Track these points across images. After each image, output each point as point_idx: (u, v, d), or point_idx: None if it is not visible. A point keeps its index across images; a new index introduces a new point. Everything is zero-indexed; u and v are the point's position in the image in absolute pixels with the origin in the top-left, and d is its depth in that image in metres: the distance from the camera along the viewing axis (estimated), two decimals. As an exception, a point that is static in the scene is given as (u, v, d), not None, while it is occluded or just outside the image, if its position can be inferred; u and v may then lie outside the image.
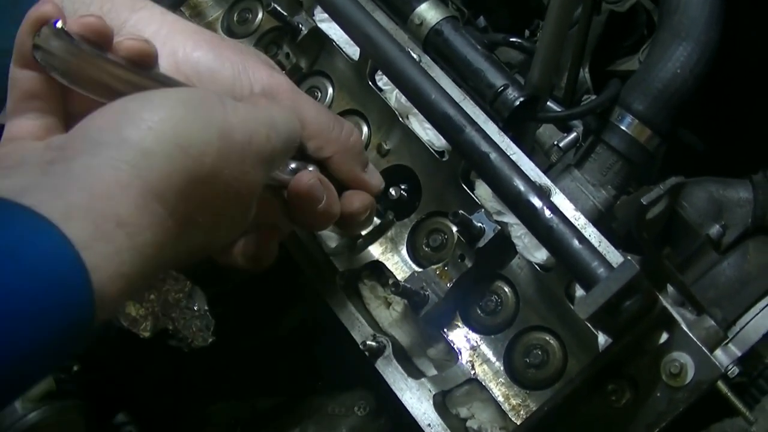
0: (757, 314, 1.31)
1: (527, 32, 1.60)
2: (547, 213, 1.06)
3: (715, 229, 1.37)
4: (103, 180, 0.75)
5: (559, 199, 1.14)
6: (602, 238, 1.11)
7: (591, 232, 1.11)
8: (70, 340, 0.70)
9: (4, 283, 0.65)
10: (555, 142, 1.44)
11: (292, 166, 1.06)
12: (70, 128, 0.85)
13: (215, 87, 1.05)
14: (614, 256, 1.08)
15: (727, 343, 1.30)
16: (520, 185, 1.08)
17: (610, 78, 1.35)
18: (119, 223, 0.74)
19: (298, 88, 1.15)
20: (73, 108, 0.95)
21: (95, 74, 0.90)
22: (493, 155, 1.10)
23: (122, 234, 0.74)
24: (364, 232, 1.31)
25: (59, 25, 0.87)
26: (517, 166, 1.10)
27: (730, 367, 1.28)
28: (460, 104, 1.17)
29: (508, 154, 1.14)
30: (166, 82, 0.98)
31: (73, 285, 0.69)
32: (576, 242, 1.04)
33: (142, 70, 0.96)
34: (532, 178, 1.12)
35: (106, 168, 0.76)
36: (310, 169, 1.09)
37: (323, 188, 1.07)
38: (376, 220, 1.31)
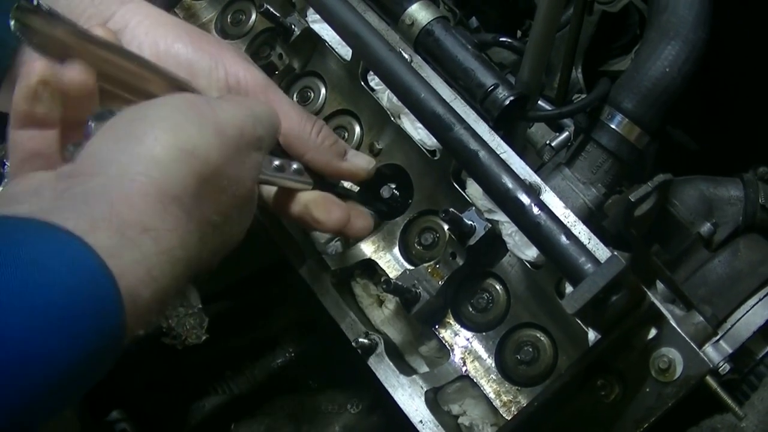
0: (748, 311, 1.32)
1: (519, 33, 1.61)
2: (535, 210, 1.07)
3: (706, 227, 1.37)
4: (122, 191, 0.77)
5: (549, 197, 1.14)
6: (591, 235, 1.12)
7: (580, 230, 1.12)
8: (102, 350, 0.70)
9: (30, 295, 0.65)
10: (547, 142, 1.45)
11: (276, 163, 1.09)
12: None
13: (192, 77, 1.10)
14: (603, 253, 1.09)
15: (718, 340, 1.31)
16: (509, 182, 1.09)
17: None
18: (144, 229, 0.76)
19: (273, 83, 1.19)
20: None
21: (71, 48, 0.92)
22: (481, 153, 1.11)
23: (148, 240, 0.76)
24: None
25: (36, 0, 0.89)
26: (506, 164, 1.11)
27: (721, 364, 1.29)
28: (451, 104, 1.18)
29: (499, 152, 1.15)
30: (141, 62, 1.02)
31: (100, 293, 0.70)
32: (563, 238, 1.05)
33: (118, 48, 1.00)
34: (522, 177, 1.13)
35: (122, 180, 0.78)
36: (294, 166, 1.12)
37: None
38: None
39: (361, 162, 1.24)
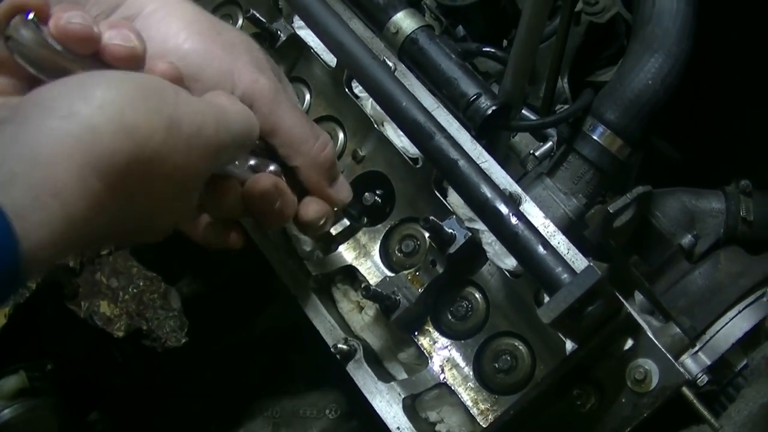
0: (728, 323, 1.33)
1: (505, 42, 1.61)
2: (513, 219, 1.07)
3: (687, 239, 1.38)
4: (47, 148, 0.77)
5: (529, 207, 1.15)
6: (571, 245, 1.12)
7: (559, 240, 1.12)
8: None
9: None
10: (531, 151, 1.45)
11: (251, 162, 1.07)
12: None
13: (198, 83, 1.05)
14: (582, 264, 1.09)
15: (696, 352, 1.32)
16: (487, 192, 1.09)
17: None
18: (55, 192, 0.76)
19: (283, 94, 1.15)
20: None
21: (63, 67, 0.92)
22: (461, 162, 1.12)
23: (56, 203, 0.76)
24: (334, 232, 1.30)
25: (31, 16, 0.89)
26: (485, 173, 1.12)
27: (699, 375, 1.30)
28: (433, 112, 1.18)
29: (480, 162, 1.15)
30: None
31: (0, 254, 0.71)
32: (540, 248, 1.05)
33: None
34: (502, 186, 1.14)
35: (52, 136, 0.78)
36: (271, 168, 1.10)
37: (278, 193, 1.08)
38: (346, 222, 1.31)
39: (344, 194, 1.21)
